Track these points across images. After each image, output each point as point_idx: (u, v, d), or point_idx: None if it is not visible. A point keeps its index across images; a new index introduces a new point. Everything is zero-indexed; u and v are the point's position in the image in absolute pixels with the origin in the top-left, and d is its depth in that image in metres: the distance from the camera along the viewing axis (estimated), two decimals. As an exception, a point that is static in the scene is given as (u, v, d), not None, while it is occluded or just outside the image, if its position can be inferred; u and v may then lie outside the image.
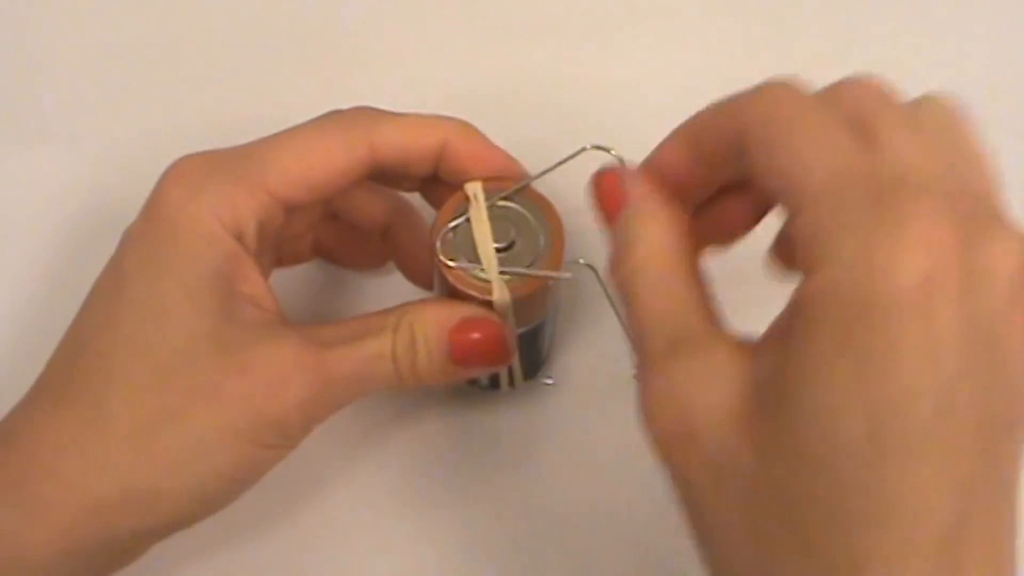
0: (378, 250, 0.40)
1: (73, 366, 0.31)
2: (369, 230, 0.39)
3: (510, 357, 0.34)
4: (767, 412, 0.24)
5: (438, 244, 0.34)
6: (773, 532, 0.23)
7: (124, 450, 0.29)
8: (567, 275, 0.34)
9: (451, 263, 0.34)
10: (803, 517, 0.23)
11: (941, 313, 0.22)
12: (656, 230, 0.28)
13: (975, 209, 0.24)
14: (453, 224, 0.34)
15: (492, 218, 0.35)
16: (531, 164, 0.36)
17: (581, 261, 0.36)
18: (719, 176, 0.29)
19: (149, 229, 0.32)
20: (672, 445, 0.25)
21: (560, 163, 0.34)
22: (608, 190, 0.30)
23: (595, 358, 0.41)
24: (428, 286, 0.40)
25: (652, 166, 0.30)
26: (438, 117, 0.35)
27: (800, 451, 0.23)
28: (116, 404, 0.30)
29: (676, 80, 0.48)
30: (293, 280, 0.42)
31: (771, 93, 0.26)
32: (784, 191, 0.25)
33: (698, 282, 0.28)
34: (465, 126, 0.35)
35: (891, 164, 0.24)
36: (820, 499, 0.23)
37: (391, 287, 0.41)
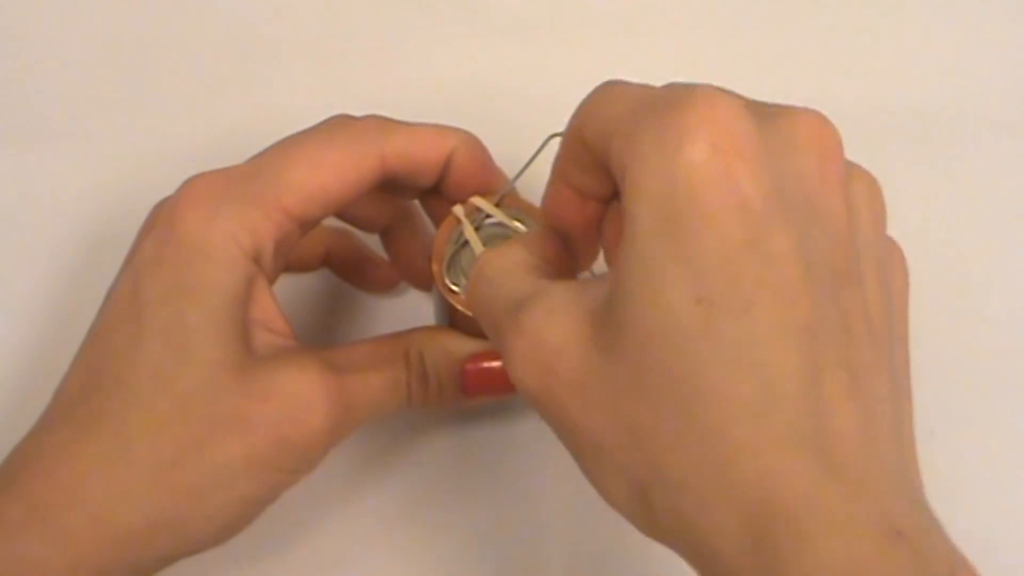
0: (387, 274, 0.40)
1: (93, 393, 0.30)
2: (370, 231, 0.39)
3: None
4: (609, 313, 0.25)
5: (442, 271, 0.34)
6: (644, 421, 0.24)
7: (148, 481, 0.29)
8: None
9: (455, 287, 0.34)
10: (662, 394, 0.23)
11: (737, 175, 0.23)
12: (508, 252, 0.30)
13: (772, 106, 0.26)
14: (451, 252, 0.34)
15: (487, 236, 0.35)
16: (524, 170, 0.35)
17: None
18: (602, 189, 0.29)
19: (168, 254, 0.31)
20: (538, 384, 0.26)
21: (532, 159, 0.34)
22: None
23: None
24: (427, 288, 0.40)
25: (547, 215, 0.31)
26: (447, 128, 0.35)
27: (642, 335, 0.24)
28: (139, 434, 0.29)
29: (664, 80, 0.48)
30: (297, 286, 0.42)
31: (594, 93, 0.28)
32: (605, 151, 0.26)
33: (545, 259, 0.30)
34: (472, 139, 0.35)
35: None
36: (671, 371, 0.23)
37: (394, 295, 0.42)
